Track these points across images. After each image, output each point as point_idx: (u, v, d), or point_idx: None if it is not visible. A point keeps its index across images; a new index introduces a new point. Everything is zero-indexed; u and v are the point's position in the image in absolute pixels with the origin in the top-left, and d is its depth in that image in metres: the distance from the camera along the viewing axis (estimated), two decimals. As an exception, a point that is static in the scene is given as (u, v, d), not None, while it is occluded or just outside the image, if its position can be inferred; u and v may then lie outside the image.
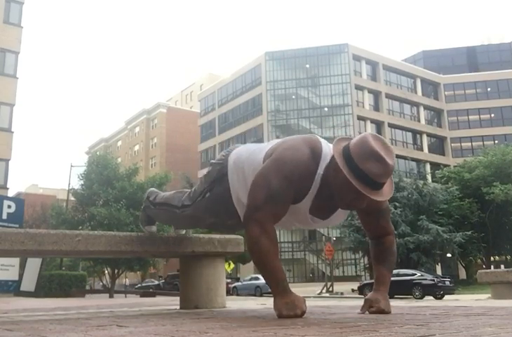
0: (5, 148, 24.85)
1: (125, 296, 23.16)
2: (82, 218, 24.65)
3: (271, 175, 2.07)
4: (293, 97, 47.53)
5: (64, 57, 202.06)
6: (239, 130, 50.58)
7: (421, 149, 49.61)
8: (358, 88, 46.96)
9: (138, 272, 35.52)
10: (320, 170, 2.09)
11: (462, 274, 38.34)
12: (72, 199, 26.84)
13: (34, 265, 18.49)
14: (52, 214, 25.56)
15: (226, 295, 3.46)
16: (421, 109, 51.27)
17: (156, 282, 36.12)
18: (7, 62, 25.90)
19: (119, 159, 50.43)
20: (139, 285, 38.46)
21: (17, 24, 26.79)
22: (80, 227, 23.34)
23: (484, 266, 31.97)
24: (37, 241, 2.61)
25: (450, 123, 52.14)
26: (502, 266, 21.69)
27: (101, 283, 30.30)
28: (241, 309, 2.98)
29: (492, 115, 51.08)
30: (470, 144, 50.45)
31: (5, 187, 24.73)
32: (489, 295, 7.82)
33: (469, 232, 28.12)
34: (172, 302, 4.61)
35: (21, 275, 18.05)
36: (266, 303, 3.82)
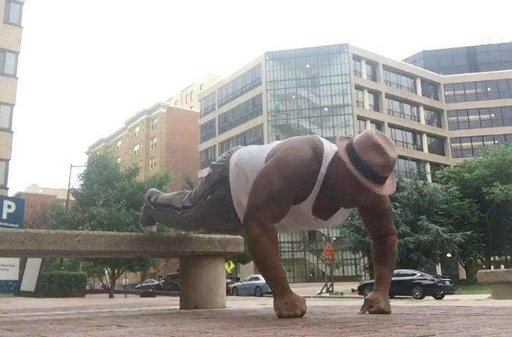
0: (5, 148, 24.86)
1: (125, 296, 23.17)
2: (82, 218, 24.66)
3: (273, 175, 2.06)
4: (293, 97, 47.53)
5: (64, 57, 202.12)
6: (239, 130, 50.58)
7: (421, 149, 49.62)
8: (358, 88, 46.96)
9: (138, 272, 35.52)
10: (323, 169, 2.08)
11: (462, 274, 38.33)
12: (72, 199, 26.84)
13: (34, 265, 18.49)
14: (52, 214, 25.56)
15: (226, 295, 3.46)
16: (421, 109, 51.28)
17: (156, 282, 36.13)
18: (7, 62, 25.90)
19: (119, 159, 50.44)
20: (139, 285, 38.47)
21: (17, 24, 26.80)
22: (80, 227, 23.34)
23: (484, 266, 31.98)
24: (37, 241, 2.60)
25: (450, 123, 52.15)
26: (502, 266, 21.70)
27: (101, 283, 30.30)
28: (241, 309, 2.98)
29: (492, 115, 51.08)
30: (470, 144, 50.46)
31: (5, 187, 24.73)
32: (489, 295, 7.81)
33: (469, 232, 28.13)
34: (172, 302, 4.61)
35: (21, 275, 18.05)
36: (266, 303, 3.82)
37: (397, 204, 26.74)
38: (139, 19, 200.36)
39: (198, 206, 2.53)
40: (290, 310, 2.00)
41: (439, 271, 35.50)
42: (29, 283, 18.17)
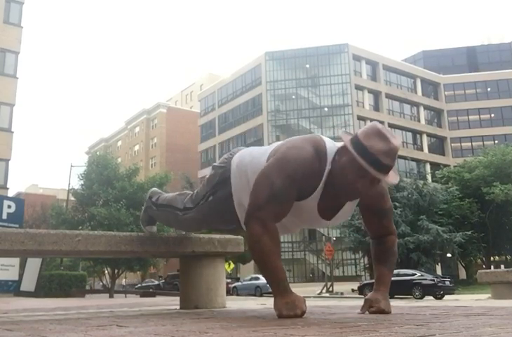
0: (5, 148, 24.86)
1: (125, 296, 23.17)
2: (82, 218, 24.65)
3: (274, 174, 2.06)
4: (293, 97, 47.53)
5: (64, 57, 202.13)
6: (239, 130, 50.57)
7: (421, 149, 49.62)
8: (358, 88, 46.96)
9: (138, 272, 35.51)
10: (329, 166, 2.08)
11: (462, 274, 38.33)
12: (72, 199, 26.84)
13: (34, 265, 18.49)
14: (52, 214, 25.55)
15: (226, 295, 3.46)
16: (421, 109, 51.28)
17: (156, 282, 36.12)
18: (7, 62, 25.90)
19: (119, 159, 50.44)
20: (139, 285, 38.47)
21: (17, 24, 26.79)
22: (80, 227, 23.33)
23: (484, 266, 31.98)
24: (37, 241, 2.60)
25: (450, 123, 52.14)
26: (502, 266, 21.72)
27: (101, 283, 30.30)
28: (241, 309, 2.98)
29: (492, 115, 51.08)
30: (470, 144, 50.45)
31: (5, 187, 24.73)
32: (489, 295, 7.81)
33: (469, 232, 28.13)
34: (172, 302, 4.61)
35: (21, 275, 18.05)
36: (266, 303, 3.82)
37: (397, 204, 26.74)
38: (139, 19, 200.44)
39: (199, 207, 2.52)
40: (290, 310, 1.99)
41: (439, 271, 35.49)
42: (29, 283, 18.16)
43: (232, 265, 29.75)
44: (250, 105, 50.04)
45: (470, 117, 51.53)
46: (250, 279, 27.72)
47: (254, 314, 2.46)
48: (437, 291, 20.23)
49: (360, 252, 31.12)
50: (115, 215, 22.50)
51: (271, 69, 48.35)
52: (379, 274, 2.35)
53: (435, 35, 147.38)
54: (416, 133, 50.08)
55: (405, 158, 38.89)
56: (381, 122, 46.83)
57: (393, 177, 2.04)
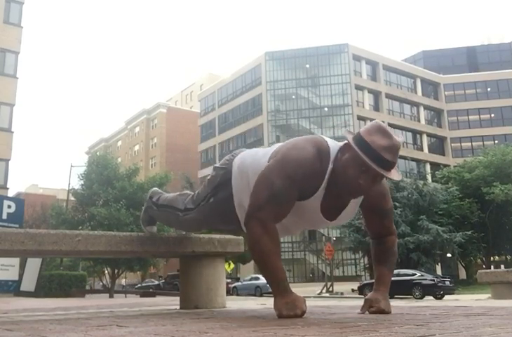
0: (5, 148, 24.86)
1: (125, 296, 23.17)
2: (82, 218, 24.64)
3: (274, 175, 2.06)
4: (293, 97, 47.53)
5: (64, 57, 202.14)
6: (239, 130, 50.57)
7: (421, 149, 49.62)
8: (358, 88, 46.96)
9: (138, 272, 35.51)
10: (331, 165, 2.08)
11: (462, 274, 38.33)
12: (72, 199, 26.84)
13: (34, 265, 18.49)
14: (52, 214, 25.54)
15: (226, 295, 3.46)
16: (421, 109, 51.28)
17: (156, 282, 36.12)
18: (7, 62, 25.90)
19: (119, 159, 50.44)
20: (139, 285, 38.48)
21: (17, 24, 26.79)
22: (80, 227, 23.33)
23: (484, 266, 31.98)
24: (37, 241, 2.60)
25: (450, 123, 52.15)
26: (502, 266, 21.71)
27: (101, 283, 30.30)
28: (241, 309, 2.98)
29: (492, 115, 51.08)
30: (470, 144, 50.45)
31: (5, 187, 24.73)
32: (489, 295, 7.81)
33: (469, 232, 28.13)
34: (172, 302, 4.61)
35: (21, 275, 18.04)
36: (266, 303, 3.82)
37: (397, 204, 26.73)
38: (139, 19, 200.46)
39: (200, 208, 2.52)
40: (290, 310, 1.99)
41: (439, 271, 35.49)
42: (29, 283, 18.16)
43: (232, 265, 29.74)
44: (250, 105, 50.04)
45: (470, 117, 51.53)
46: (250, 279, 27.71)
47: (254, 314, 2.46)
48: (437, 291, 20.23)
49: (360, 252, 31.11)
50: (115, 215, 22.50)
51: (271, 69, 48.35)
52: (379, 274, 2.35)
53: (435, 35, 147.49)
54: (416, 133, 50.08)
55: (405, 158, 38.91)
56: (381, 122, 47.08)
57: (395, 175, 2.04)
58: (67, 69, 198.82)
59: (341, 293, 24.16)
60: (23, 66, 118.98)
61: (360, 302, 2.41)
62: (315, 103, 47.31)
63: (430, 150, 50.07)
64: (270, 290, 2.12)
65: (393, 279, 2.41)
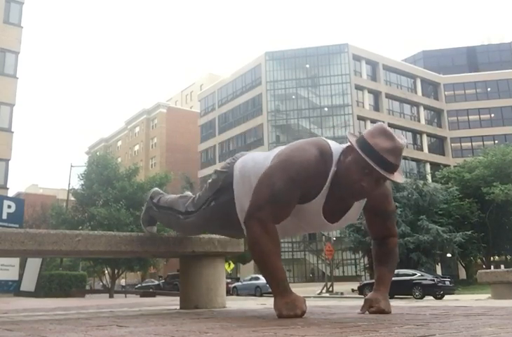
0: (5, 148, 24.85)
1: (125, 296, 23.17)
2: (82, 218, 24.64)
3: (277, 175, 2.06)
4: (293, 97, 47.53)
5: (64, 57, 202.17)
6: (239, 130, 50.57)
7: (421, 149, 49.62)
8: (358, 88, 46.96)
9: (138, 272, 35.51)
10: (334, 167, 2.07)
11: (462, 274, 38.33)
12: (72, 199, 26.83)
13: (34, 265, 18.48)
14: (52, 214, 25.54)
15: (226, 295, 3.46)
16: (421, 109, 51.28)
17: (156, 282, 36.12)
18: (7, 62, 25.89)
19: (119, 159, 50.43)
20: (139, 285, 38.48)
21: (17, 24, 26.79)
22: (80, 227, 23.33)
23: (484, 266, 31.98)
24: (37, 241, 2.60)
25: (450, 123, 52.14)
26: (502, 266, 21.74)
27: (101, 284, 30.29)
28: (241, 309, 2.98)
29: (492, 115, 51.08)
30: (470, 144, 50.45)
31: (5, 187, 24.73)
32: (489, 295, 7.81)
33: (469, 232, 28.13)
34: (172, 302, 4.61)
35: (21, 275, 18.04)
36: (266, 303, 3.82)
37: (397, 204, 26.67)
38: (139, 19, 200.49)
39: (201, 212, 2.51)
40: (290, 310, 1.99)
41: (439, 271, 35.49)
42: (29, 283, 18.16)
43: (232, 265, 29.75)
44: (250, 105, 50.04)
45: (470, 117, 51.53)
46: (250, 279, 27.71)
47: (254, 314, 2.46)
48: (437, 291, 20.22)
49: (360, 252, 31.11)
50: (115, 215, 22.50)
51: (271, 69, 48.35)
52: (380, 274, 2.35)
53: (435, 35, 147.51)
54: (416, 133, 50.08)
55: (405, 158, 38.86)
56: (381, 122, 46.97)
57: (398, 177, 2.04)
58: (67, 69, 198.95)
59: (341, 293, 24.16)
60: (23, 66, 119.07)
61: (360, 302, 2.41)
62: (315, 103, 47.31)
63: (430, 150, 50.07)
64: (270, 290, 2.12)
65: (393, 279, 2.42)
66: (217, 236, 3.21)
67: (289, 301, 2.02)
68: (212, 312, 2.77)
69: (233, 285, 27.68)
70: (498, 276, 6.81)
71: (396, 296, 18.52)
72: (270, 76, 48.21)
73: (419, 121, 50.78)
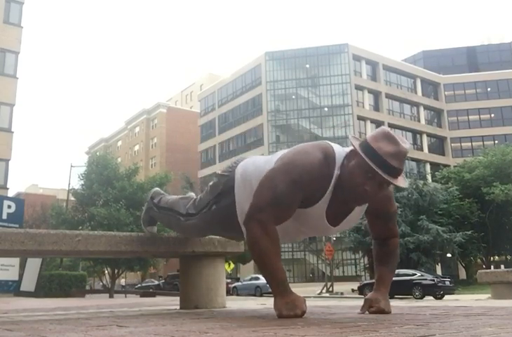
0: (5, 148, 24.86)
1: (125, 296, 23.17)
2: (82, 218, 24.65)
3: (279, 178, 2.05)
4: (293, 97, 47.53)
5: (64, 57, 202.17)
6: (239, 130, 50.57)
7: (421, 149, 49.62)
8: (358, 88, 46.96)
9: (138, 272, 35.51)
10: (337, 171, 2.06)
11: (462, 274, 38.33)
12: (72, 199, 26.83)
13: (34, 265, 18.48)
14: (52, 214, 25.54)
15: (226, 295, 3.46)
16: (421, 109, 51.28)
17: (156, 282, 36.13)
18: (7, 62, 25.90)
19: (119, 159, 50.44)
20: (139, 285, 38.48)
21: (17, 24, 26.80)
22: (80, 227, 23.33)
23: (484, 266, 31.98)
24: (37, 241, 2.60)
25: (450, 123, 52.15)
26: (502, 266, 21.75)
27: (101, 284, 30.30)
28: (241, 309, 2.98)
29: (492, 115, 51.08)
30: (470, 144, 50.45)
31: (5, 187, 24.73)
32: (489, 295, 7.82)
33: (469, 232, 28.12)
34: (172, 302, 4.61)
35: (21, 275, 18.04)
36: (266, 303, 3.82)
37: (397, 204, 26.56)
38: (139, 19, 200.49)
39: (202, 215, 2.50)
40: (290, 310, 1.99)
41: (439, 271, 35.49)
42: (29, 283, 18.15)
43: (232, 265, 29.75)
44: (250, 105, 50.05)
45: (470, 117, 51.53)
46: (250, 279, 27.71)
47: (254, 314, 2.46)
48: (437, 291, 20.22)
49: (360, 252, 31.11)
50: (115, 215, 22.51)
51: (271, 69, 48.35)
52: (380, 274, 2.35)
53: (435, 35, 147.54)
54: (416, 133, 50.08)
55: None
56: (381, 122, 47.16)
57: (401, 182, 2.02)
58: (67, 69, 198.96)
59: (341, 293, 24.16)
60: (23, 66, 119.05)
61: (360, 302, 2.41)
62: (315, 103, 47.31)
63: (430, 150, 50.07)
64: (270, 290, 2.12)
65: (393, 279, 2.42)
66: (217, 237, 3.21)
67: (289, 301, 2.02)
68: (212, 312, 2.77)
69: (233, 285, 27.68)
70: (498, 276, 6.81)
71: (396, 296, 18.52)
72: (270, 76, 48.22)
73: (419, 121, 50.78)
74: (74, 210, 25.41)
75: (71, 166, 31.16)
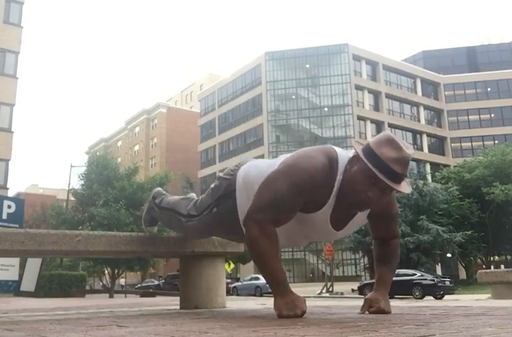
0: (5, 148, 24.86)
1: (125, 296, 23.17)
2: (82, 218, 24.64)
3: (281, 180, 2.03)
4: (293, 97, 47.53)
5: (64, 57, 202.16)
6: (239, 130, 50.57)
7: (421, 149, 49.61)
8: (358, 88, 46.96)
9: (138, 272, 35.50)
10: (340, 176, 2.04)
11: (462, 274, 38.32)
12: (72, 199, 26.83)
13: (34, 265, 18.48)
14: (52, 214, 25.54)
15: (226, 295, 3.46)
16: (421, 109, 51.28)
17: (156, 282, 36.13)
18: (7, 62, 25.90)
19: (119, 159, 50.42)
20: (139, 285, 38.48)
21: (17, 24, 26.80)
22: (80, 227, 23.33)
23: (484, 266, 31.98)
24: (37, 241, 2.60)
25: (450, 123, 52.14)
26: (502, 266, 21.75)
27: (101, 283, 30.29)
28: (241, 309, 2.98)
29: (492, 115, 51.08)
30: (470, 144, 50.45)
31: (5, 187, 24.73)
32: (489, 295, 7.82)
33: (469, 232, 28.13)
34: (172, 302, 4.61)
35: (21, 275, 18.03)
36: (266, 303, 3.82)
37: (397, 204, 26.68)
38: (139, 19, 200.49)
39: (203, 217, 2.50)
40: (290, 310, 1.99)
41: (439, 271, 35.48)
42: (29, 283, 18.15)
43: (232, 265, 29.75)
44: (250, 105, 50.04)
45: (470, 117, 51.52)
46: (250, 279, 27.72)
47: (254, 314, 2.46)
48: (437, 291, 20.22)
49: (360, 252, 31.11)
50: (115, 215, 22.50)
51: (271, 69, 48.35)
52: (380, 274, 2.34)
53: (435, 35, 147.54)
54: (416, 133, 50.09)
55: (405, 158, 38.78)
56: (381, 122, 47.22)
57: (405, 187, 2.01)
58: (67, 69, 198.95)
59: (341, 293, 24.16)
60: (23, 66, 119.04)
61: (360, 302, 2.41)
62: (315, 103, 47.31)
63: (430, 150, 50.07)
64: (270, 290, 2.11)
65: (393, 279, 2.42)
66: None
67: (289, 301, 2.01)
68: (212, 312, 2.77)
69: (233, 285, 27.68)
70: (498, 276, 6.81)
71: (396, 296, 18.52)
72: (270, 76, 48.21)
73: (419, 121, 50.78)
74: (74, 210, 25.41)
75: (71, 166, 31.18)
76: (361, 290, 21.54)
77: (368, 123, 46.16)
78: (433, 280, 20.68)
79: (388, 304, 2.26)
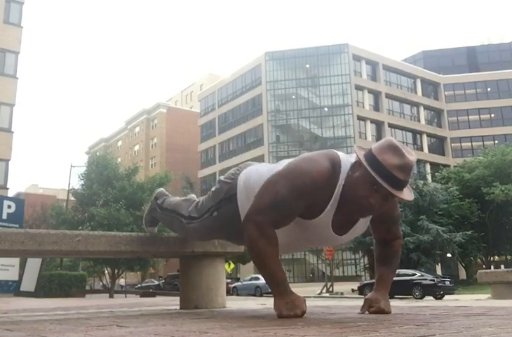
0: (5, 148, 24.86)
1: (125, 296, 23.17)
2: (82, 218, 24.64)
3: (282, 183, 2.03)
4: (293, 97, 47.52)
5: (64, 57, 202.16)
6: (239, 130, 50.57)
7: (421, 149, 49.59)
8: (358, 88, 46.95)
9: (138, 272, 35.50)
10: (341, 181, 2.03)
11: (462, 274, 38.32)
12: (72, 199, 26.83)
13: (34, 265, 18.48)
14: (52, 214, 25.54)
15: (226, 295, 3.46)
16: (421, 109, 51.27)
17: (156, 282, 36.13)
18: (7, 62, 25.90)
19: (119, 159, 50.41)
20: (139, 285, 38.48)
21: (17, 24, 26.80)
22: (80, 227, 23.33)
23: (484, 266, 31.97)
24: (37, 241, 2.60)
25: (450, 123, 52.14)
26: (502, 266, 21.74)
27: (101, 284, 30.29)
28: (241, 309, 2.98)
29: (492, 115, 51.08)
30: (470, 144, 50.44)
31: (5, 187, 24.73)
32: (489, 295, 7.82)
33: (469, 232, 28.13)
34: (172, 302, 4.61)
35: (21, 275, 18.04)
36: (266, 303, 3.82)
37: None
38: (139, 19, 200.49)
39: (203, 220, 2.50)
40: (290, 310, 1.99)
41: (439, 271, 35.49)
42: (29, 284, 18.15)
43: (232, 265, 29.75)
44: (250, 105, 50.04)
45: (470, 117, 51.52)
46: (250, 279, 27.71)
47: (254, 314, 2.46)
48: (437, 291, 20.22)
49: (360, 252, 31.10)
50: (115, 215, 22.50)
51: (271, 69, 48.34)
52: (381, 274, 2.34)
53: (435, 35, 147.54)
54: (416, 133, 50.08)
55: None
56: (381, 122, 47.23)
57: (407, 194, 1.99)
58: (67, 69, 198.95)
59: (341, 293, 24.15)
60: (23, 66, 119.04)
61: (360, 302, 2.41)
62: (315, 103, 47.30)
63: (430, 150, 50.07)
64: (270, 290, 2.11)
65: (393, 279, 2.42)
66: (217, 237, 3.22)
67: (289, 301, 2.01)
68: (212, 312, 2.77)
69: (233, 285, 27.68)
70: (498, 276, 6.82)
71: (396, 296, 18.52)
72: (270, 76, 48.21)
73: (419, 121, 50.78)
74: (74, 210, 25.41)
75: (71, 166, 31.17)
76: (361, 290, 21.54)
77: (368, 123, 46.16)
78: (433, 280, 20.68)
79: (388, 304, 2.26)
